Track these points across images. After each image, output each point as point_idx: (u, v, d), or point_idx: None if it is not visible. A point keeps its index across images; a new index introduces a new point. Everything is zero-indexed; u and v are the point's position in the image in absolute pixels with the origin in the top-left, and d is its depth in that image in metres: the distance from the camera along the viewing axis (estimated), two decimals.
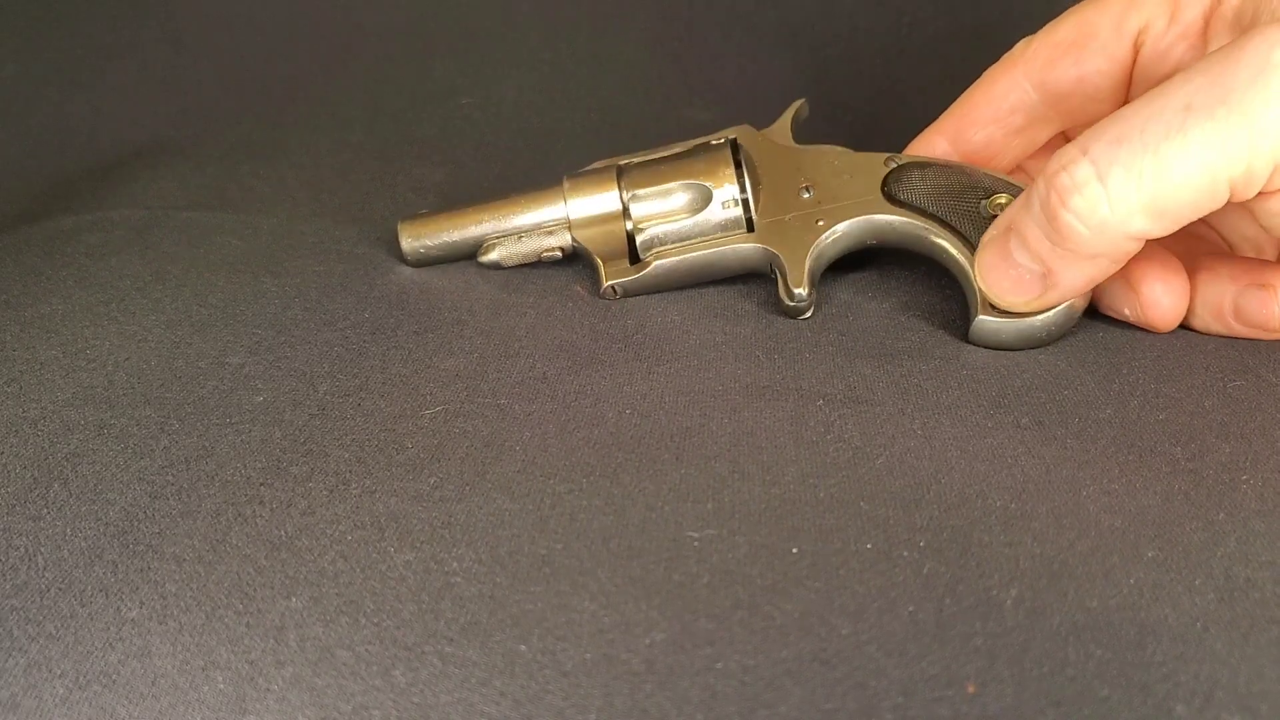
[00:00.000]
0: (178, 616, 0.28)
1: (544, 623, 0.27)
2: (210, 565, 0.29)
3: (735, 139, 0.42)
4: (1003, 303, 0.38)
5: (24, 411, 0.36)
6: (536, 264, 0.44)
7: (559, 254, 0.43)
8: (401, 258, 0.44)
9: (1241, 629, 0.27)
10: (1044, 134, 0.43)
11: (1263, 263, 0.38)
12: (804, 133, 0.43)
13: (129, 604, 0.28)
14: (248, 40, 0.58)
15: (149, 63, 0.57)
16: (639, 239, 0.41)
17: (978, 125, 0.42)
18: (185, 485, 0.32)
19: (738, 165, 0.41)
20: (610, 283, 0.42)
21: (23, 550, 0.30)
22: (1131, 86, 0.40)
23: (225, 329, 0.40)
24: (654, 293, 0.42)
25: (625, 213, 0.42)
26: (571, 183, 0.42)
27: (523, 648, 0.27)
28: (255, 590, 0.29)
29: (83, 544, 0.30)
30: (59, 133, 0.54)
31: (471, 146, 0.52)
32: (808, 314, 0.40)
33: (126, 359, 0.38)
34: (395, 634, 0.27)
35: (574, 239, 0.42)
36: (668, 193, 0.41)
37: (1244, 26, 0.36)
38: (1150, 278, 0.38)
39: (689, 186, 0.41)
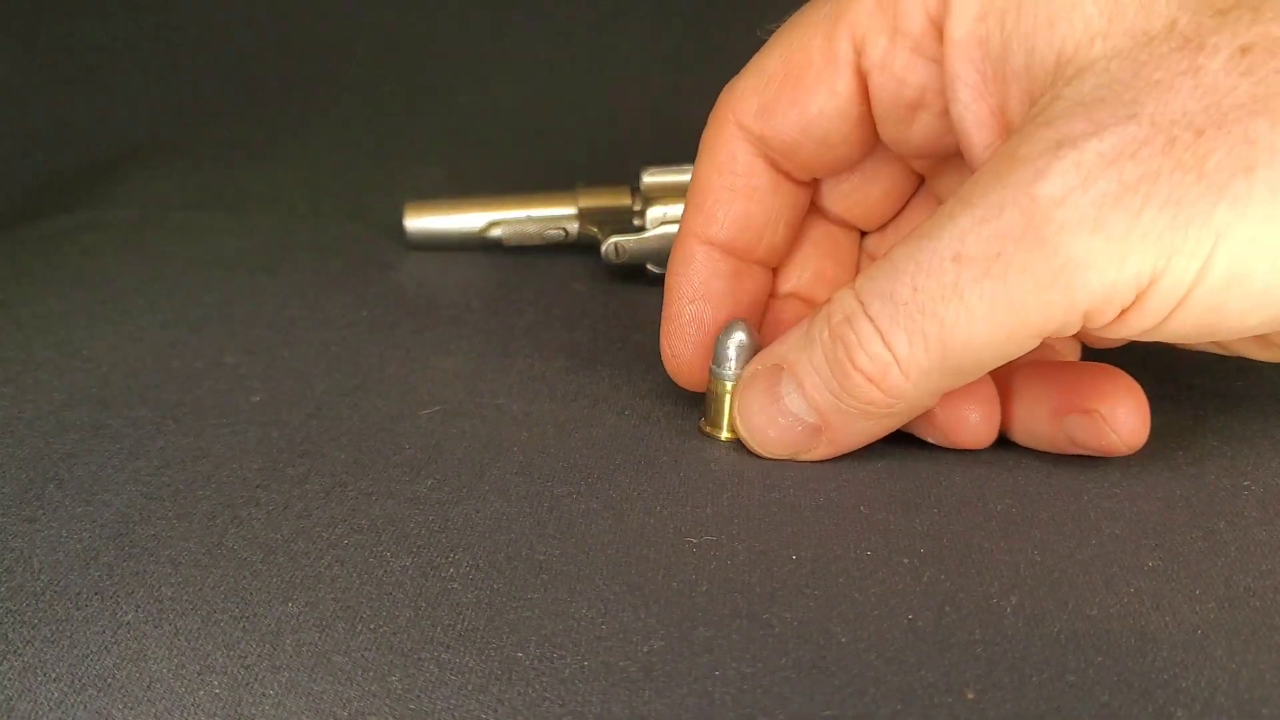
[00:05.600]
0: (173, 620, 0.28)
1: (541, 630, 0.27)
2: (206, 569, 0.29)
3: None
4: (764, 452, 0.33)
5: (19, 411, 0.35)
6: (535, 262, 0.44)
7: (563, 233, 0.43)
8: (404, 240, 0.44)
9: (1242, 636, 0.27)
10: (798, 193, 0.35)
11: (1076, 378, 0.33)
12: None
13: (124, 607, 0.28)
14: (244, 39, 0.58)
15: (145, 62, 0.57)
16: (648, 213, 0.42)
17: (719, 205, 0.34)
18: (181, 487, 0.32)
19: None
20: (612, 240, 0.42)
21: (18, 552, 0.30)
22: (878, 122, 0.33)
23: (221, 329, 0.40)
24: (654, 264, 0.42)
25: (636, 194, 0.42)
26: (585, 188, 0.43)
27: (520, 655, 0.27)
28: (251, 594, 0.29)
29: (78, 546, 0.30)
30: (55, 132, 0.54)
31: (471, 146, 0.52)
32: None
33: (122, 359, 0.38)
34: (392, 640, 0.27)
35: (581, 222, 0.44)
36: (682, 172, 0.42)
37: (993, 57, 0.29)
38: (952, 399, 0.32)
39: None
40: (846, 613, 0.28)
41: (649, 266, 0.42)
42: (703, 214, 0.34)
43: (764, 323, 0.37)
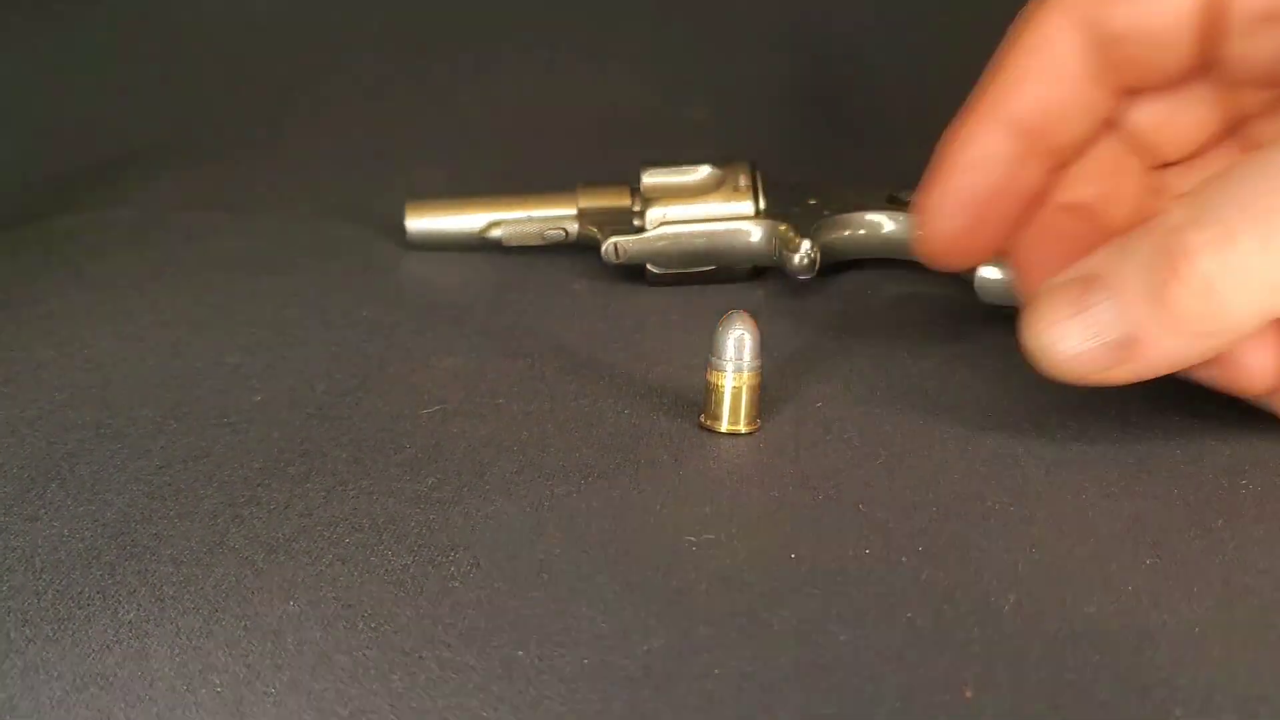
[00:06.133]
0: (175, 619, 0.28)
1: (542, 629, 0.27)
2: (208, 568, 0.29)
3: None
4: (1059, 369, 0.30)
5: (21, 412, 0.35)
6: (535, 262, 0.44)
7: (563, 233, 0.43)
8: (404, 239, 0.44)
9: (1240, 634, 0.27)
10: (1105, 96, 0.34)
11: None
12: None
13: (126, 606, 0.28)
14: (244, 39, 0.58)
15: (145, 62, 0.57)
16: (648, 214, 0.42)
17: (1023, 82, 0.34)
18: (183, 486, 0.32)
19: (752, 165, 0.43)
20: (612, 240, 0.42)
21: (20, 552, 0.30)
22: (1227, 34, 0.32)
23: (222, 329, 0.40)
24: (654, 264, 0.42)
25: (635, 195, 0.43)
26: (585, 187, 0.43)
27: (520, 654, 0.27)
28: (253, 593, 0.29)
29: (80, 545, 0.30)
30: (56, 132, 0.53)
31: (471, 146, 0.52)
32: (809, 274, 0.40)
33: (124, 359, 0.38)
34: (393, 639, 0.27)
35: (581, 222, 0.43)
36: (681, 172, 0.42)
37: None
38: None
39: (701, 170, 0.43)
40: (846, 612, 0.28)
41: (649, 266, 0.42)
42: (1002, 89, 0.34)
43: (1031, 233, 0.35)
